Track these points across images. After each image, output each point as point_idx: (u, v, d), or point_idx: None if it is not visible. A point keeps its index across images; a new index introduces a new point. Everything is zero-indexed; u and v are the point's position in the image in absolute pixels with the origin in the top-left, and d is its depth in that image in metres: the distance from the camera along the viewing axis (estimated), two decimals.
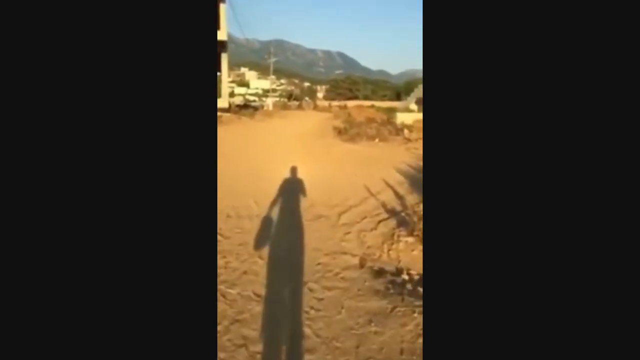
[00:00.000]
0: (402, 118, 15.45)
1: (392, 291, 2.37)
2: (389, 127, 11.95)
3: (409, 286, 2.43)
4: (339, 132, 12.97)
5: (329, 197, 4.70)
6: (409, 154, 8.74)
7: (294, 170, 6.06)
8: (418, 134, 11.27)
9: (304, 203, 4.37)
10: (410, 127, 11.72)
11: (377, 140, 10.95)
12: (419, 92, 32.20)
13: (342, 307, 2.17)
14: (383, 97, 68.11)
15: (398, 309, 2.16)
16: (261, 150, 8.54)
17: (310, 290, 2.37)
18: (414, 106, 29.74)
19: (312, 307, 2.16)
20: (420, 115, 16.19)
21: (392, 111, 26.80)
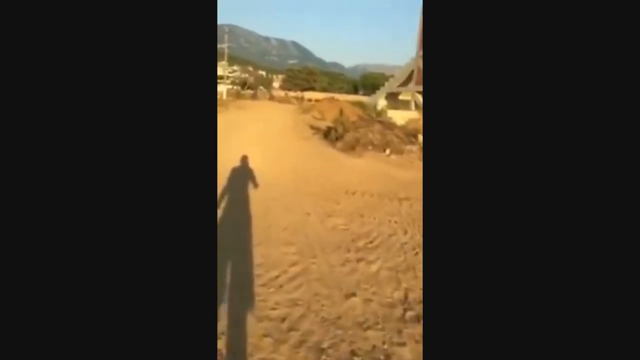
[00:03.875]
0: (395, 117, 12.46)
1: None
2: (396, 132, 8.84)
3: None
4: (325, 134, 9.61)
5: None
6: None
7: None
8: None
9: None
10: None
11: (387, 151, 7.78)
12: (389, 86, 29.69)
13: None
14: (340, 90, 65.95)
15: None
16: (228, 159, 4.92)
17: None
18: (383, 101, 27.61)
19: None
20: (413, 114, 13.40)
21: (362, 106, 24.16)
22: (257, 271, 2.42)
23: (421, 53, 22.29)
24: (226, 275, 2.34)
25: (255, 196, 4.08)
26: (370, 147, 7.89)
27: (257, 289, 2.21)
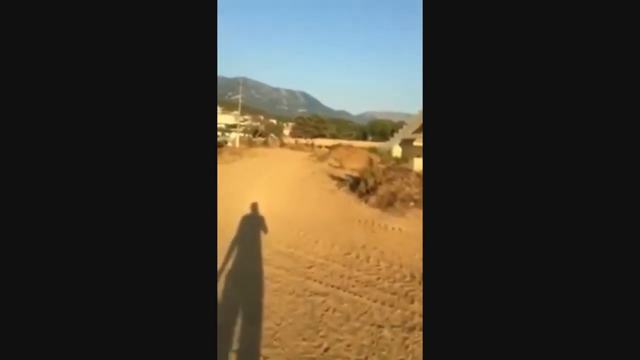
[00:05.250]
0: (420, 165, 11.44)
1: None
2: None
3: None
4: (352, 187, 8.55)
5: None
6: None
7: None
8: None
9: None
10: None
11: None
12: (404, 132, 29.25)
13: None
14: (349, 136, 67.13)
15: None
16: (245, 216, 3.81)
17: None
18: (398, 148, 27.13)
19: None
20: None
21: (376, 152, 23.55)
22: None
23: None
24: None
25: (290, 282, 2.89)
26: (412, 204, 6.74)
27: None
